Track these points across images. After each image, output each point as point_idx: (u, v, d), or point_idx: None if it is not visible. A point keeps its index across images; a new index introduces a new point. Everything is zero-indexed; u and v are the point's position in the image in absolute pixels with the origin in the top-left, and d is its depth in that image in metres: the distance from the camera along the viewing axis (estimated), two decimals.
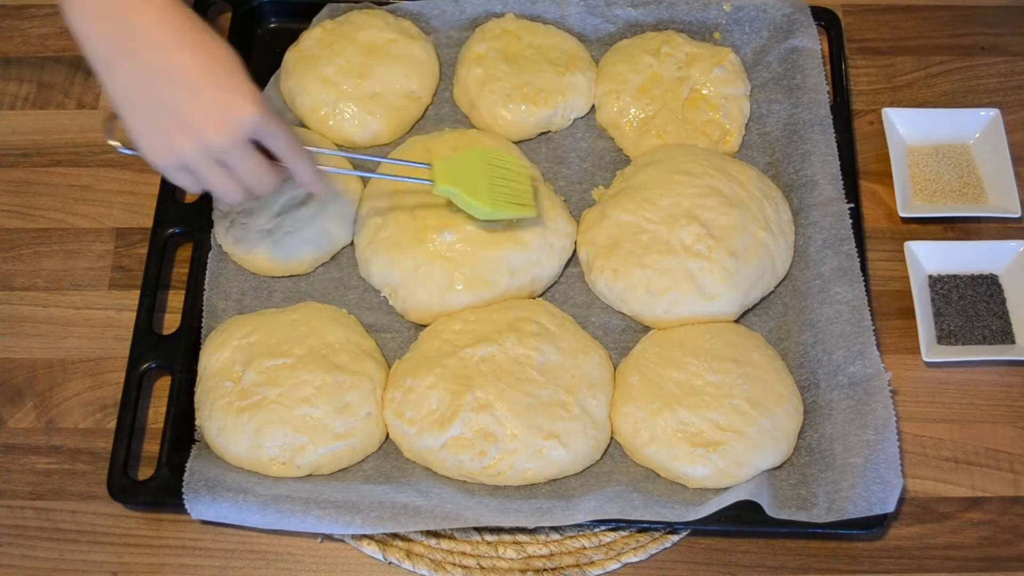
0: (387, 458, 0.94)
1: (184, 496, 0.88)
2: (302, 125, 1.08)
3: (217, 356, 0.95)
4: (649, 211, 0.99)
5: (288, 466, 0.91)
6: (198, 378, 0.96)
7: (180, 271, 1.03)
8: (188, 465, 0.90)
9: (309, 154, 0.87)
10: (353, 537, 0.91)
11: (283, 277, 1.02)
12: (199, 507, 0.88)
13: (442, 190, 0.93)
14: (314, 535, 0.91)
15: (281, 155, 0.84)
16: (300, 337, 0.95)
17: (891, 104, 1.12)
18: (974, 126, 1.08)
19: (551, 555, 0.90)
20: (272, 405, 0.91)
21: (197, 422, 0.94)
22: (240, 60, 0.80)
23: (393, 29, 1.11)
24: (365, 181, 1.05)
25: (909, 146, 1.09)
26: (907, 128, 1.08)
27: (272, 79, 1.11)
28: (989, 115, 1.07)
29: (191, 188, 0.84)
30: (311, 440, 0.91)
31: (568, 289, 1.02)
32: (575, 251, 1.02)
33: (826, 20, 1.13)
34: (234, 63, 0.80)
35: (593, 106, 1.10)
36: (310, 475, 0.92)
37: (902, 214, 1.04)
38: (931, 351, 0.98)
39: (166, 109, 0.78)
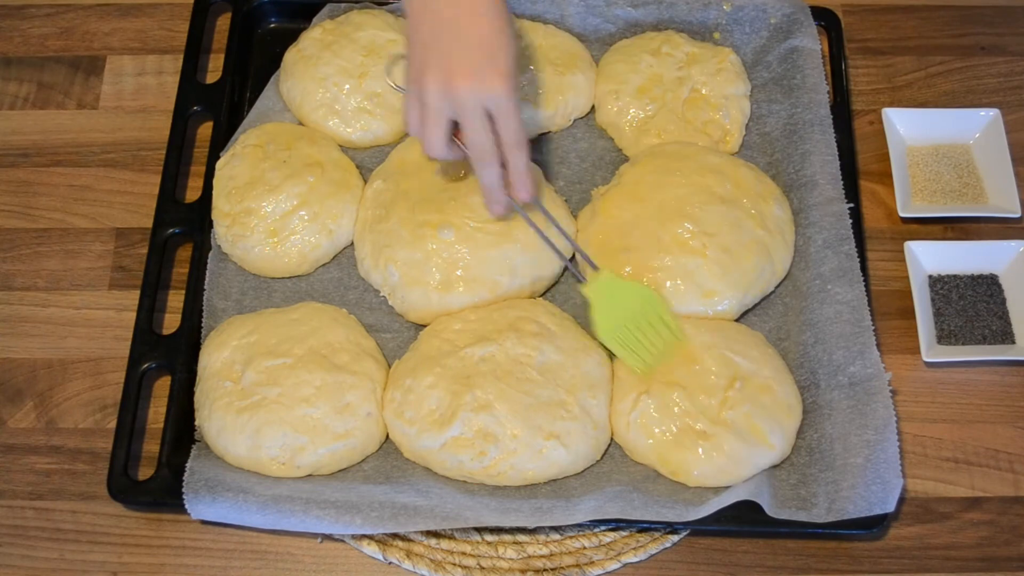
0: (387, 458, 0.94)
1: (184, 496, 0.88)
2: (302, 125, 1.08)
3: (217, 356, 0.95)
4: (640, 209, 0.99)
5: (288, 466, 0.91)
6: (198, 378, 0.96)
7: (180, 271, 1.03)
8: (188, 465, 0.90)
9: (529, 153, 0.91)
10: (353, 537, 0.91)
11: (283, 277, 1.02)
12: (199, 507, 0.88)
13: (588, 290, 0.95)
14: (314, 535, 0.91)
15: (507, 138, 0.88)
16: (300, 337, 0.95)
17: (891, 104, 1.12)
18: (974, 126, 1.08)
19: (551, 555, 0.90)
20: (272, 405, 0.91)
21: (197, 422, 0.94)
22: (516, 50, 0.87)
23: (393, 29, 1.11)
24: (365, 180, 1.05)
25: (909, 146, 1.09)
26: (907, 128, 1.08)
27: (272, 79, 1.11)
28: (989, 115, 1.07)
29: (410, 123, 0.89)
30: (311, 440, 0.91)
31: (568, 289, 1.02)
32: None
33: (826, 20, 1.13)
34: (509, 49, 0.87)
35: (593, 106, 1.10)
36: (310, 475, 0.92)
37: (902, 214, 1.04)
38: (931, 351, 0.98)
39: (437, 55, 0.86)
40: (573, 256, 1.00)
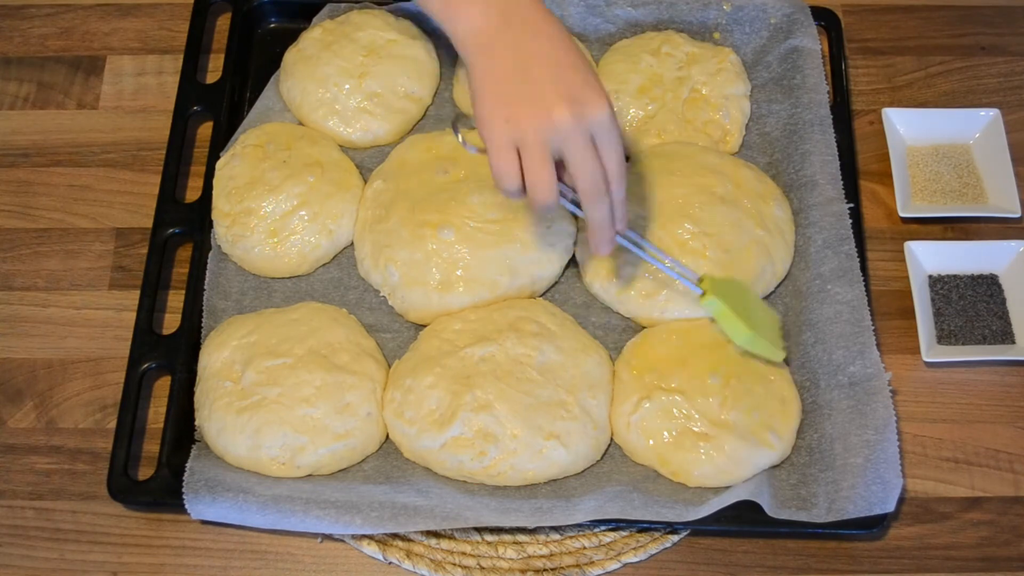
0: (387, 458, 0.94)
1: (184, 496, 0.88)
2: (302, 125, 1.08)
3: (217, 356, 0.95)
4: (640, 209, 0.99)
5: (288, 466, 0.91)
6: (198, 378, 0.96)
7: (180, 271, 1.03)
8: (188, 465, 0.90)
9: (626, 186, 0.84)
10: (353, 537, 0.91)
11: (283, 277, 1.02)
12: (199, 507, 0.88)
13: (709, 302, 0.93)
14: (314, 535, 0.91)
15: (611, 166, 0.82)
16: (300, 337, 0.95)
17: (891, 104, 1.12)
18: (974, 126, 1.08)
19: (551, 555, 0.90)
20: (272, 405, 0.91)
21: (197, 422, 0.94)
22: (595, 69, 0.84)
23: (393, 29, 1.11)
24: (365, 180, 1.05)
25: (909, 146, 1.09)
26: (907, 128, 1.08)
27: (272, 79, 1.11)
28: (989, 115, 1.07)
29: (507, 176, 0.81)
30: (311, 440, 0.91)
31: (568, 289, 1.02)
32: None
33: (826, 20, 1.13)
34: (594, 69, 0.84)
35: None
36: (310, 475, 0.92)
37: (902, 214, 1.04)
38: (931, 351, 0.98)
39: (527, 85, 0.80)
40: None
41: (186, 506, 0.88)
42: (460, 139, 0.87)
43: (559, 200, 0.83)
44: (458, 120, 0.88)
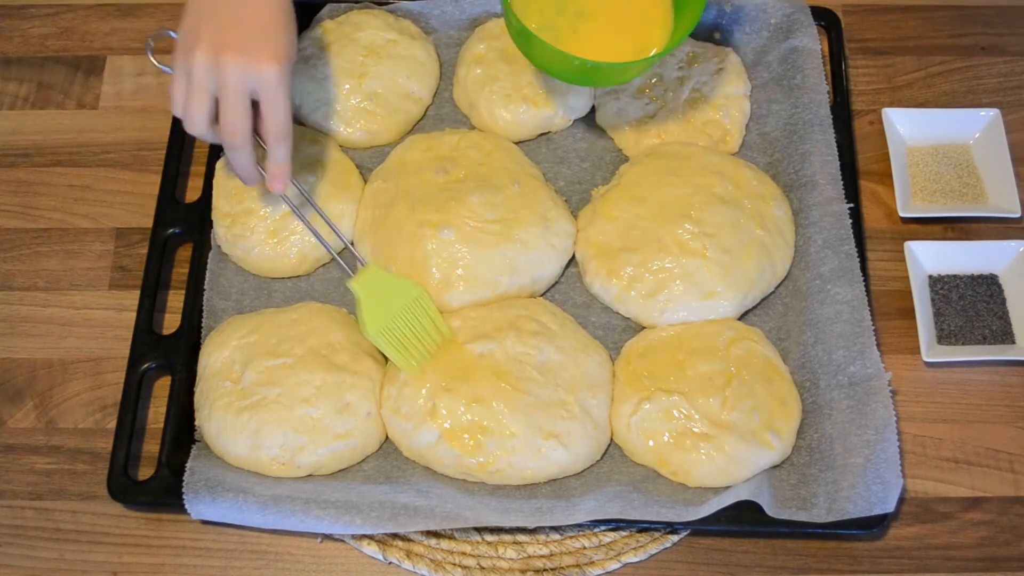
0: (387, 458, 0.94)
1: (184, 496, 0.88)
2: (302, 125, 1.08)
3: (217, 356, 0.95)
4: (640, 209, 0.99)
5: (288, 466, 0.91)
6: (198, 378, 0.96)
7: (180, 271, 1.03)
8: (188, 465, 0.90)
9: (292, 145, 0.89)
10: (353, 537, 0.91)
11: (283, 277, 1.02)
12: (199, 507, 0.88)
13: (356, 284, 0.93)
14: (314, 535, 0.91)
15: (271, 127, 0.86)
16: (300, 337, 0.95)
17: (891, 104, 1.12)
18: (974, 126, 1.08)
19: (551, 555, 0.90)
20: (272, 405, 0.91)
21: (197, 422, 0.94)
22: (294, 41, 0.86)
23: (393, 29, 1.11)
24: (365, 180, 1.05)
25: (909, 146, 1.09)
26: (907, 128, 1.08)
27: None
28: (989, 115, 1.07)
29: (175, 100, 0.86)
30: (311, 440, 0.91)
31: (568, 289, 1.02)
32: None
33: (826, 20, 1.13)
34: (287, 35, 0.85)
35: (593, 106, 1.10)
36: (310, 475, 0.92)
37: (902, 214, 1.04)
38: (931, 351, 0.98)
39: (212, 27, 0.84)
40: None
41: (186, 506, 0.88)
42: (151, 58, 0.94)
43: (211, 135, 0.87)
44: (154, 37, 0.94)
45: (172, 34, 0.89)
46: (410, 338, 0.93)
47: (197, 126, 0.86)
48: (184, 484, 0.89)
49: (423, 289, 0.95)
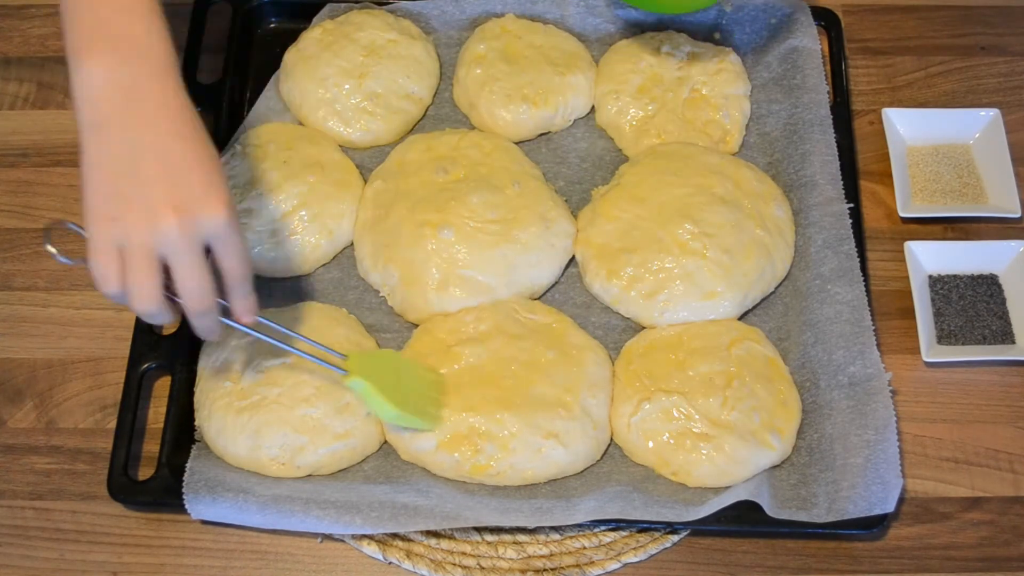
0: (387, 458, 0.94)
1: (184, 496, 0.88)
2: (302, 125, 1.08)
3: (217, 356, 0.95)
4: (640, 209, 0.99)
5: (288, 466, 0.91)
6: (198, 378, 0.96)
7: None
8: (188, 465, 0.90)
9: (252, 278, 0.81)
10: (353, 537, 0.91)
11: (283, 277, 1.02)
12: (199, 507, 0.88)
13: (353, 383, 0.87)
14: (314, 535, 0.91)
15: (230, 272, 0.78)
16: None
17: (891, 104, 1.12)
18: (974, 126, 1.08)
19: (551, 555, 0.90)
20: (272, 405, 0.91)
21: (197, 422, 0.94)
22: (221, 164, 0.78)
23: (393, 29, 1.11)
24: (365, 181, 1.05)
25: (909, 146, 1.09)
26: (907, 128, 1.08)
27: (272, 80, 1.11)
28: (989, 115, 1.07)
29: (106, 279, 0.75)
30: (311, 440, 0.91)
31: (568, 289, 1.02)
32: None
33: (826, 20, 1.13)
34: (219, 167, 0.77)
35: (593, 106, 1.10)
36: (310, 475, 0.92)
37: (902, 214, 1.04)
38: (931, 351, 0.98)
39: (137, 185, 0.74)
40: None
41: (186, 506, 0.88)
42: (50, 249, 0.80)
43: (167, 312, 0.77)
44: (51, 228, 0.82)
45: (71, 225, 0.81)
46: (418, 400, 0.89)
47: (148, 301, 0.74)
48: (184, 484, 0.89)
49: (396, 353, 0.93)
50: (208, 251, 0.77)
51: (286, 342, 0.88)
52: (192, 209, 0.74)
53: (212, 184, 0.75)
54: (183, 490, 0.88)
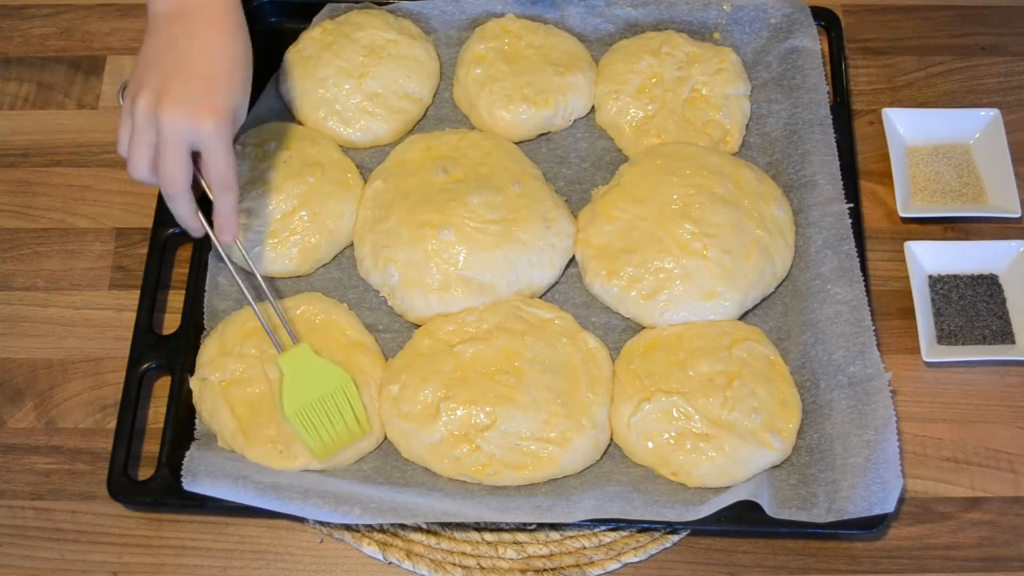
0: (387, 458, 0.94)
1: (182, 477, 0.88)
2: (302, 125, 1.08)
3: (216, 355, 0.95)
4: (640, 210, 0.99)
5: (285, 455, 0.91)
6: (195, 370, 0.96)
7: (180, 271, 1.03)
8: (188, 453, 0.90)
9: (238, 193, 0.89)
10: (353, 537, 0.91)
11: (283, 277, 1.02)
12: (197, 487, 0.88)
13: (283, 361, 0.90)
14: (314, 535, 0.91)
15: (212, 178, 0.87)
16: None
17: (891, 104, 1.12)
18: (974, 126, 1.08)
19: (551, 555, 0.90)
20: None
21: (197, 422, 0.94)
22: (241, 94, 0.87)
23: (393, 29, 1.11)
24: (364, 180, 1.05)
25: (909, 146, 1.09)
26: (907, 128, 1.08)
27: (272, 79, 1.11)
28: (989, 115, 1.07)
29: (120, 141, 0.87)
30: None
31: (568, 289, 1.02)
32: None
33: (826, 20, 1.13)
34: (231, 90, 0.86)
35: (593, 106, 1.10)
36: (307, 470, 0.92)
37: (902, 214, 1.04)
38: (931, 351, 0.98)
39: (158, 74, 0.85)
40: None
41: (183, 485, 0.87)
42: (120, 99, 0.91)
43: (153, 179, 0.86)
44: (125, 86, 0.91)
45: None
46: (325, 424, 0.89)
47: (138, 171, 0.86)
48: (183, 467, 0.89)
49: (350, 378, 0.91)
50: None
51: (256, 299, 0.92)
52: (187, 108, 0.83)
53: (213, 92, 0.85)
54: (181, 473, 0.88)
